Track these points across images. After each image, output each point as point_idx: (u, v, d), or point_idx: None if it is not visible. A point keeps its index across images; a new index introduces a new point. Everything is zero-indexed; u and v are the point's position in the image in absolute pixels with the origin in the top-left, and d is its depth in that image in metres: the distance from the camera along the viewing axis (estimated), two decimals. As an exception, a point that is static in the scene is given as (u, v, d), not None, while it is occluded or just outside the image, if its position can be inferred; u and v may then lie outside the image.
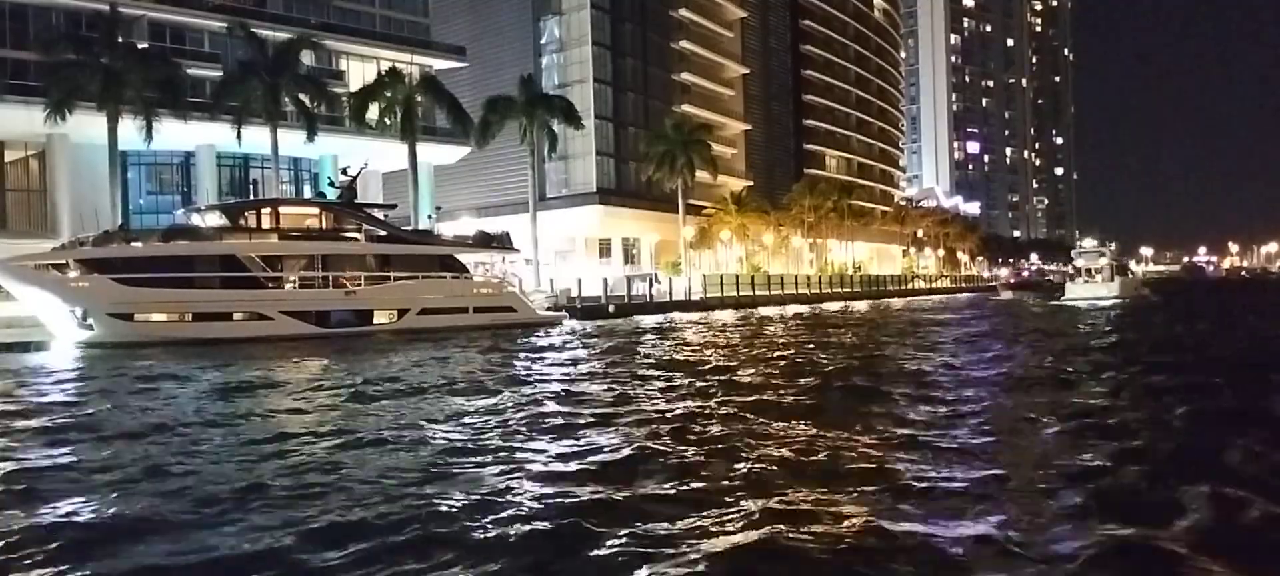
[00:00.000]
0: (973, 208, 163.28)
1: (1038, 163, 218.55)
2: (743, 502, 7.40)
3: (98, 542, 6.70)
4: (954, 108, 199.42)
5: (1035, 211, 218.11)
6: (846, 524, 6.77)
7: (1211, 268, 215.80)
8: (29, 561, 6.34)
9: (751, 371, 18.21)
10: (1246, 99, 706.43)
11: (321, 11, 59.27)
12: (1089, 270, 69.19)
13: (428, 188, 59.54)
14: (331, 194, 39.24)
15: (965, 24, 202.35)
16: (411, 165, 49.06)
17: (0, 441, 11.33)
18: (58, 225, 48.13)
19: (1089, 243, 78.95)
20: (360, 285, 34.71)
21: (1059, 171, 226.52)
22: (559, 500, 7.70)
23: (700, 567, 5.89)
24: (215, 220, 34.44)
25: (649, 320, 43.02)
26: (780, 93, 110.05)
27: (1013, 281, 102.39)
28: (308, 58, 50.03)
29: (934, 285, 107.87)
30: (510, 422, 12.13)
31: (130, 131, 40.94)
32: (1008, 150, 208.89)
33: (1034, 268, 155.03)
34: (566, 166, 79.17)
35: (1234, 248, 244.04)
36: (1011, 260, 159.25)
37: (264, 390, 16.70)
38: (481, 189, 78.10)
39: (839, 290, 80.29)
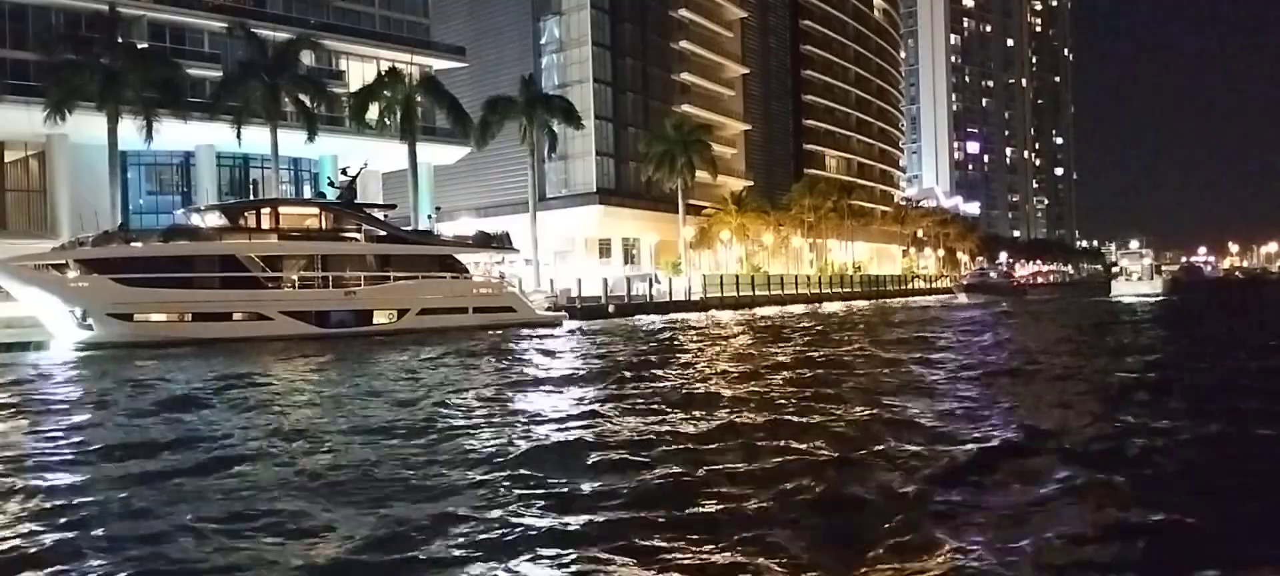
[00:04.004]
0: (973, 208, 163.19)
1: (1038, 163, 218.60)
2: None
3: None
4: (954, 108, 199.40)
5: (1035, 211, 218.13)
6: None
7: (1209, 268, 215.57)
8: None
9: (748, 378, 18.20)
10: (1246, 99, 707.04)
11: (321, 11, 59.22)
12: (1131, 270, 75.50)
13: (428, 188, 59.51)
14: (331, 194, 39.24)
15: (965, 24, 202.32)
16: (411, 165, 49.07)
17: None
18: (58, 225, 48.08)
19: (1133, 244, 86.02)
20: (360, 285, 34.72)
21: (1059, 171, 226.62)
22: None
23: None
24: (215, 220, 34.43)
25: (649, 320, 42.99)
26: (780, 93, 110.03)
27: (966, 282, 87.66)
28: (308, 58, 50.00)
29: (934, 285, 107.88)
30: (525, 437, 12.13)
31: (130, 131, 40.87)
32: (1007, 150, 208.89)
33: (1004, 267, 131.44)
34: (566, 166, 79.16)
35: (1234, 248, 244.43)
36: (988, 255, 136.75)
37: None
38: (481, 189, 78.05)
39: (839, 290, 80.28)
